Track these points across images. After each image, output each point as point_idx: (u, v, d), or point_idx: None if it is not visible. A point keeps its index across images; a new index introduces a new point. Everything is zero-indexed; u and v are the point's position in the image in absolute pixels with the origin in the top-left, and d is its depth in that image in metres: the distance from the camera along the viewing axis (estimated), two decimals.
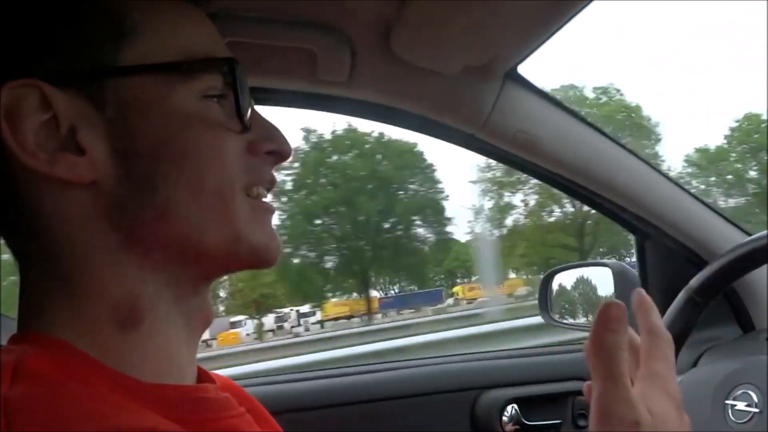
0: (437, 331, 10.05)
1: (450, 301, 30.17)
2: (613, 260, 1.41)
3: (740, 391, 0.84)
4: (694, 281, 0.94)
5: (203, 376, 0.54)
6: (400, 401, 1.25)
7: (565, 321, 1.56)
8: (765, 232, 0.95)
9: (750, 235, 1.13)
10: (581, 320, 1.57)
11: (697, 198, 1.17)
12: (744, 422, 0.82)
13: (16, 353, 0.41)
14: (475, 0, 0.80)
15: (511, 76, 1.02)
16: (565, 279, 1.60)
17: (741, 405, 0.82)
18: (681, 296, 0.95)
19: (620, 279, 1.36)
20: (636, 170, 1.13)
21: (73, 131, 0.44)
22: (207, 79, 0.48)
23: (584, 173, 1.11)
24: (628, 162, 1.12)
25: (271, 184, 0.53)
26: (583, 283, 1.58)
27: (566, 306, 1.60)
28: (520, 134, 1.05)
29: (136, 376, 0.44)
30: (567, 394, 1.30)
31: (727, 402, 0.84)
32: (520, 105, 1.05)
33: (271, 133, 0.52)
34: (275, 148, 0.52)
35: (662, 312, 0.99)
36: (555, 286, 1.57)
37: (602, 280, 1.46)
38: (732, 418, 0.84)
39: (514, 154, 1.10)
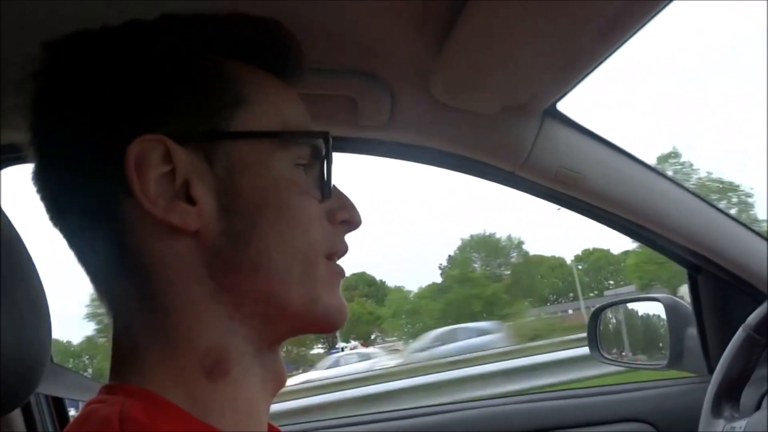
0: None
1: None
2: (665, 294, 1.37)
3: None
4: (752, 318, 0.90)
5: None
6: None
7: (615, 358, 1.51)
8: None
9: None
10: (632, 357, 1.52)
11: (750, 229, 1.13)
12: None
13: (117, 405, 0.44)
14: (513, 42, 0.80)
15: (551, 113, 1.01)
16: (615, 314, 1.56)
17: None
18: (739, 334, 0.91)
19: (672, 314, 1.32)
20: (685, 202, 1.10)
21: (187, 184, 0.48)
22: (300, 148, 0.53)
23: (631, 208, 1.09)
24: (676, 194, 1.10)
25: (344, 253, 0.57)
26: (633, 318, 1.53)
27: (616, 342, 1.55)
28: (562, 170, 1.04)
29: (220, 426, 0.47)
30: None
31: None
32: (561, 141, 1.04)
33: (346, 203, 0.57)
34: (349, 218, 0.56)
35: (720, 350, 0.96)
36: (604, 321, 1.53)
37: (653, 315, 1.42)
38: None
39: (556, 190, 1.08)
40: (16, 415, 1.07)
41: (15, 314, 0.49)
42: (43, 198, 0.52)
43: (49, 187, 0.51)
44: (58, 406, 1.12)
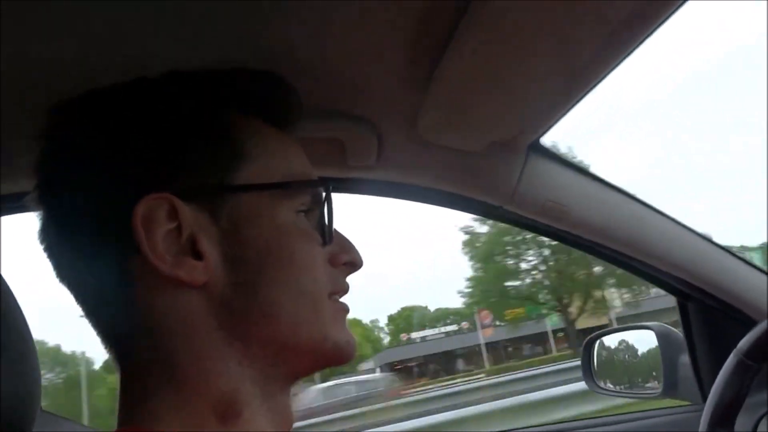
0: None
1: None
2: (657, 323, 1.37)
3: None
4: (743, 343, 0.91)
5: None
6: None
7: (610, 388, 1.50)
8: None
9: None
10: (627, 387, 1.52)
11: (736, 255, 1.15)
12: None
13: None
14: (499, 80, 0.81)
15: (535, 148, 1.03)
16: (608, 344, 1.56)
17: None
18: (731, 360, 0.91)
19: (665, 342, 1.32)
20: (671, 232, 1.12)
21: (193, 239, 0.50)
22: (302, 196, 0.55)
23: (618, 238, 1.10)
24: (662, 224, 1.11)
25: (346, 292, 0.59)
26: (626, 347, 1.53)
27: (610, 372, 1.55)
28: (549, 203, 1.06)
29: None
30: None
31: None
32: (547, 175, 1.05)
33: (347, 246, 0.59)
34: (350, 259, 0.59)
35: (713, 377, 0.96)
36: (597, 352, 1.53)
37: (646, 344, 1.42)
38: None
39: (545, 223, 1.10)
40: None
41: (3, 363, 0.50)
42: (50, 256, 0.53)
43: (56, 245, 0.52)
44: None
